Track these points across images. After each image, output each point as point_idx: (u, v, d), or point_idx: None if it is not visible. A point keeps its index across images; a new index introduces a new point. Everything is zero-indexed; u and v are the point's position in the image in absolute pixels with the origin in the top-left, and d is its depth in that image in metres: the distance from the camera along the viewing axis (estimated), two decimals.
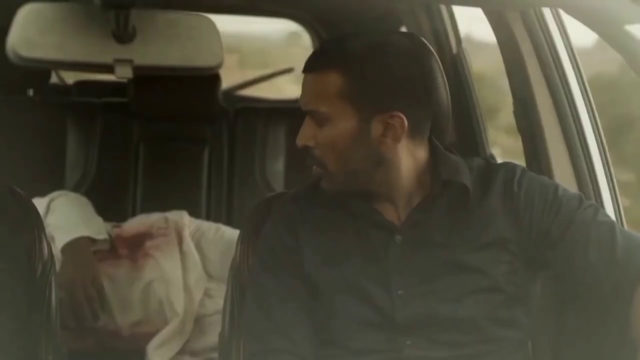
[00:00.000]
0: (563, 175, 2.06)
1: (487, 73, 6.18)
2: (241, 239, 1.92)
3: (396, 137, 1.63)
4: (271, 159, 3.16)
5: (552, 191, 1.71)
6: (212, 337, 2.46)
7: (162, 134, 3.11)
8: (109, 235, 2.60)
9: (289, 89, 5.04)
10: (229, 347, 1.91)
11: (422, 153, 1.69)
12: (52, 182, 2.91)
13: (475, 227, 1.68)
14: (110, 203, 2.91)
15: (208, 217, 3.04)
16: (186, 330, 2.55)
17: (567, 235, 1.67)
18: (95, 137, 3.06)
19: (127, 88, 3.10)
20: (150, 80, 2.93)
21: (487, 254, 1.68)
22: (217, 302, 2.50)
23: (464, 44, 2.83)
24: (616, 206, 2.04)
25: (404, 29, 3.18)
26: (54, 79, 3.89)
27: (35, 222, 1.89)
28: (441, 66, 1.70)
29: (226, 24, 3.49)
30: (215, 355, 2.10)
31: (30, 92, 3.32)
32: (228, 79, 4.05)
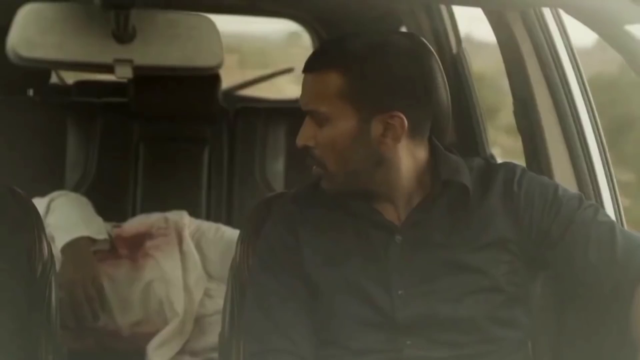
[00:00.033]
0: (563, 175, 2.06)
1: (487, 73, 6.18)
2: (241, 239, 1.92)
3: (396, 137, 1.63)
4: (271, 159, 3.16)
5: (552, 191, 1.71)
6: (212, 337, 2.46)
7: (162, 134, 3.11)
8: (109, 235, 2.60)
9: (289, 89, 5.04)
10: (229, 347, 1.91)
11: (422, 153, 1.69)
12: (52, 182, 2.91)
13: (475, 227, 1.68)
14: (110, 203, 2.91)
15: (208, 217, 3.04)
16: (186, 330, 2.55)
17: (567, 235, 1.67)
18: (95, 137, 3.06)
19: (127, 88, 3.10)
20: (150, 80, 2.93)
21: (487, 254, 1.68)
22: (217, 302, 2.50)
23: (463, 44, 2.83)
24: (616, 206, 2.04)
25: (404, 29, 3.18)
26: (54, 79, 3.90)
27: (35, 222, 1.89)
28: (441, 66, 1.70)
29: (226, 24, 3.49)
30: (215, 355, 2.10)
31: (30, 92, 3.33)
32: (228, 79, 4.05)
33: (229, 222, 2.97)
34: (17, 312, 1.80)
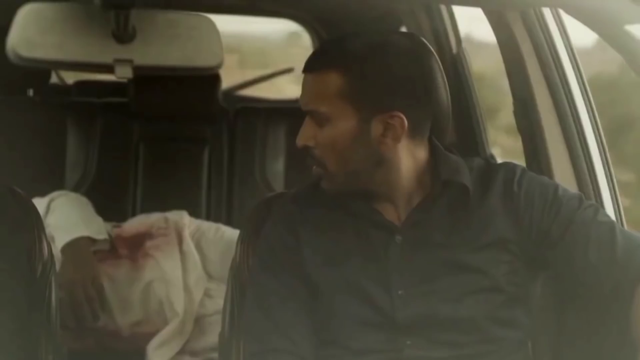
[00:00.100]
0: (563, 175, 2.06)
1: (487, 73, 6.18)
2: (241, 239, 1.92)
3: (396, 137, 1.63)
4: (271, 159, 3.16)
5: (552, 191, 1.71)
6: (212, 337, 2.46)
7: (162, 134, 3.11)
8: (109, 235, 2.60)
9: (288, 89, 5.04)
10: (229, 347, 1.91)
11: (422, 153, 1.69)
12: (52, 182, 2.91)
13: (475, 227, 1.68)
14: (110, 203, 2.91)
15: (208, 217, 3.04)
16: (186, 330, 2.55)
17: (567, 236, 1.67)
18: (95, 137, 3.06)
19: (127, 88, 3.10)
20: (150, 80, 2.93)
21: (487, 254, 1.68)
22: (217, 302, 2.50)
23: (463, 44, 2.83)
24: (616, 206, 2.04)
25: (404, 29, 3.18)
26: (54, 79, 3.90)
27: (35, 222, 1.89)
28: (441, 66, 1.70)
29: (226, 24, 3.49)
30: (215, 355, 2.10)
31: (30, 92, 3.33)
32: (228, 79, 4.05)
33: (229, 222, 2.97)
34: (17, 312, 1.80)
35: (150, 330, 2.54)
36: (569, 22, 2.10)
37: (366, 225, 1.70)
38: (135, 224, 2.71)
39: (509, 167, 1.74)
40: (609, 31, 1.83)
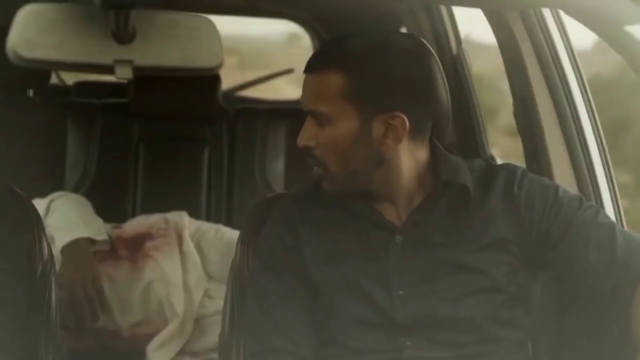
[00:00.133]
0: (563, 176, 2.06)
1: (486, 74, 6.18)
2: (241, 239, 1.92)
3: (397, 138, 1.63)
4: (271, 159, 3.16)
5: (553, 192, 1.71)
6: (212, 337, 2.46)
7: (162, 134, 3.11)
8: (109, 236, 2.60)
9: (287, 89, 5.05)
10: (229, 347, 1.91)
11: (422, 153, 1.69)
12: (52, 182, 2.91)
13: (475, 227, 1.68)
14: (110, 203, 2.91)
15: (208, 217, 3.04)
16: (186, 330, 2.55)
17: (567, 236, 1.67)
18: (95, 138, 3.06)
19: (127, 88, 3.10)
20: (150, 80, 2.93)
21: (488, 254, 1.68)
22: (217, 302, 2.50)
23: (463, 46, 2.83)
24: (616, 207, 2.04)
25: (404, 29, 3.18)
26: (54, 79, 3.90)
27: (35, 223, 1.89)
28: (441, 67, 1.70)
29: (226, 25, 3.49)
30: (215, 355, 2.10)
31: (30, 93, 3.32)
32: (228, 80, 4.05)
33: (229, 223, 2.97)
34: (17, 312, 1.80)
35: (150, 330, 2.54)
36: (569, 22, 2.10)
37: (366, 226, 1.70)
38: (135, 224, 2.72)
39: (509, 168, 1.75)
40: (609, 32, 1.83)
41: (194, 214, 2.83)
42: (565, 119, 2.08)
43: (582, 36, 2.07)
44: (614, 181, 2.07)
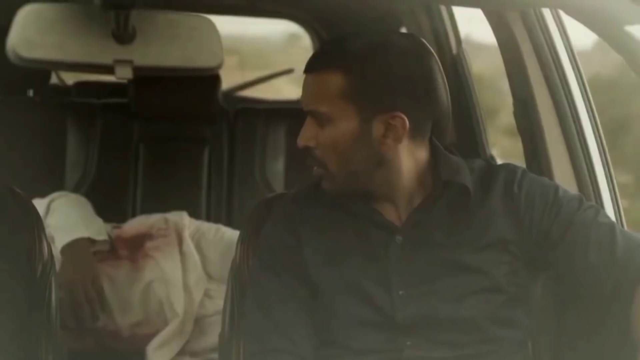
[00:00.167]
0: (563, 176, 2.06)
1: (486, 74, 6.18)
2: (241, 239, 1.92)
3: (397, 138, 1.63)
4: (271, 159, 3.16)
5: (553, 192, 1.71)
6: (212, 337, 2.46)
7: (162, 134, 3.11)
8: (109, 236, 2.60)
9: (287, 89, 5.05)
10: (229, 347, 1.91)
11: (422, 153, 1.69)
12: (52, 182, 2.91)
13: (475, 227, 1.68)
14: (110, 203, 2.91)
15: (208, 217, 3.04)
16: (186, 330, 2.55)
17: (567, 236, 1.67)
18: (95, 137, 3.06)
19: (127, 88, 3.10)
20: (150, 80, 2.93)
21: (488, 254, 1.68)
22: (217, 302, 2.50)
23: (463, 46, 2.83)
24: (616, 207, 2.04)
25: (404, 29, 3.18)
26: (54, 79, 3.90)
27: (35, 223, 1.90)
28: (441, 67, 1.70)
29: (226, 25, 3.49)
30: (215, 355, 2.10)
31: (30, 93, 3.32)
32: (228, 80, 4.05)
33: (229, 223, 2.97)
34: (17, 312, 1.80)
35: (150, 330, 2.54)
36: (569, 22, 2.10)
37: (366, 226, 1.70)
38: (135, 224, 2.72)
39: (509, 168, 1.75)
40: (609, 32, 1.83)
41: (194, 214, 2.83)
42: (565, 119, 2.08)
43: (582, 36, 2.07)
44: (614, 181, 2.07)
